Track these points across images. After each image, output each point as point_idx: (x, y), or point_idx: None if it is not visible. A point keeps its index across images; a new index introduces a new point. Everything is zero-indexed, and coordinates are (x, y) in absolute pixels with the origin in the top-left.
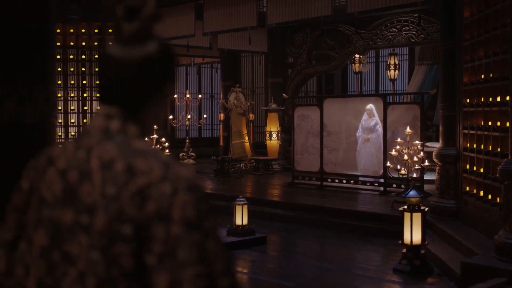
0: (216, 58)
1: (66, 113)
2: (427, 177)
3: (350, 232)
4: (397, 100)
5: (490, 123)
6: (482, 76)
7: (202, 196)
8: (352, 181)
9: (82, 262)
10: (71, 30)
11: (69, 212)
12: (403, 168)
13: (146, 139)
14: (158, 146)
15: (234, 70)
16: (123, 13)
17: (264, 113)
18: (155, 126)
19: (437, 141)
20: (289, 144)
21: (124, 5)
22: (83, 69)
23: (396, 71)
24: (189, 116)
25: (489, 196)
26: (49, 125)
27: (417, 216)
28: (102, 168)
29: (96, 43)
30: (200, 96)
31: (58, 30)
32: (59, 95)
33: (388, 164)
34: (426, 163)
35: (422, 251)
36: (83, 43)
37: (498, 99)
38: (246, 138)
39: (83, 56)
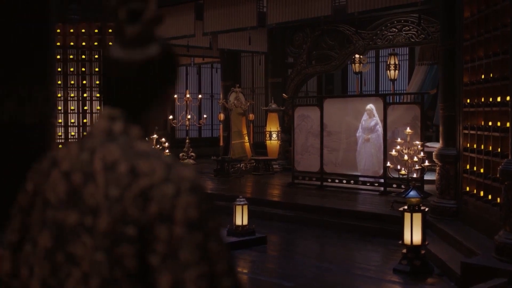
0: (216, 58)
1: (66, 113)
2: (427, 177)
3: (350, 232)
4: (397, 100)
5: (490, 123)
6: (482, 76)
7: (205, 197)
8: (352, 181)
9: (86, 263)
10: (71, 30)
11: (73, 213)
12: (403, 168)
13: (146, 139)
14: (158, 146)
15: (234, 70)
16: (126, 16)
17: (264, 113)
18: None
19: (437, 141)
20: (289, 144)
21: (126, 8)
22: (83, 69)
23: (396, 71)
24: (189, 116)
25: (489, 196)
26: (49, 125)
27: (417, 216)
28: (105, 169)
29: (96, 43)
30: (200, 96)
31: (58, 30)
32: (59, 95)
33: (388, 164)
34: (426, 163)
35: (422, 251)
36: (83, 43)
37: (498, 99)
38: (246, 138)
39: (83, 56)
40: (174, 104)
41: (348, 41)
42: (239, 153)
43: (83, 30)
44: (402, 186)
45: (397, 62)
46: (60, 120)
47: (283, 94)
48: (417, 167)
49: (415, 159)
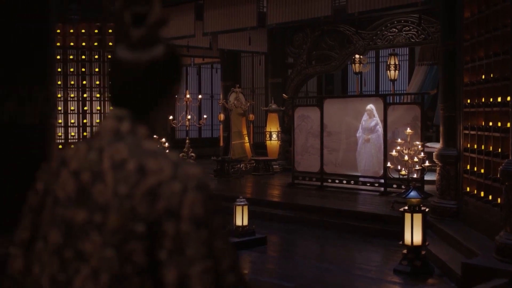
0: (216, 58)
1: (66, 113)
2: (427, 177)
3: (350, 233)
4: (397, 101)
5: (490, 124)
6: (483, 77)
7: (211, 195)
8: (352, 182)
9: (95, 260)
10: (71, 31)
11: (82, 211)
12: (403, 169)
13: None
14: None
15: (234, 71)
16: (131, 19)
17: (264, 114)
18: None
19: (438, 141)
20: (289, 144)
21: (131, 11)
22: (83, 69)
23: (396, 72)
24: (189, 117)
25: (490, 197)
26: (49, 125)
27: (418, 217)
28: (114, 168)
29: (96, 44)
30: (200, 96)
31: (58, 31)
32: (59, 95)
33: (389, 164)
34: (427, 163)
35: (423, 252)
36: (83, 44)
37: (499, 99)
38: (246, 138)
39: (83, 57)
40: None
41: (348, 42)
42: (239, 153)
43: (83, 31)
44: (403, 187)
45: (397, 62)
46: (60, 121)
47: (283, 95)
48: (417, 167)
49: (415, 159)
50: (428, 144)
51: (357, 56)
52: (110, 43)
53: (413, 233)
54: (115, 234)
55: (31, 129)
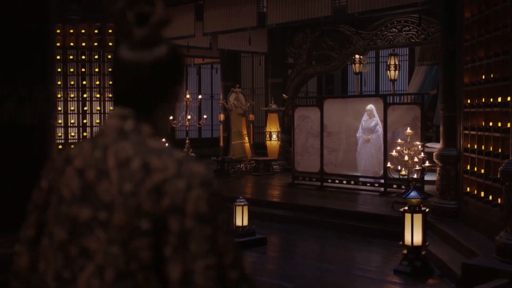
0: (216, 59)
1: (66, 113)
2: (427, 177)
3: (351, 233)
4: (397, 101)
5: (491, 124)
6: (483, 77)
7: (215, 192)
8: (352, 182)
9: (100, 256)
10: (71, 31)
11: (87, 208)
12: (403, 169)
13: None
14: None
15: (234, 71)
16: (134, 19)
17: (264, 114)
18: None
19: (437, 141)
20: (289, 144)
21: (135, 11)
22: (83, 69)
23: (396, 72)
24: (189, 117)
25: (490, 197)
26: (49, 125)
27: (418, 217)
28: (119, 166)
29: (96, 44)
30: (200, 96)
31: (58, 31)
32: (58, 95)
33: (389, 164)
34: (427, 163)
35: (423, 252)
36: (83, 44)
37: (499, 99)
38: (246, 138)
39: (83, 57)
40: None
41: (348, 42)
42: (239, 153)
43: (83, 31)
44: (403, 187)
45: (397, 63)
46: (60, 121)
47: (283, 95)
48: (417, 167)
49: (416, 159)
50: (428, 144)
51: (357, 56)
52: (110, 43)
53: (413, 233)
54: (120, 231)
55: (31, 129)
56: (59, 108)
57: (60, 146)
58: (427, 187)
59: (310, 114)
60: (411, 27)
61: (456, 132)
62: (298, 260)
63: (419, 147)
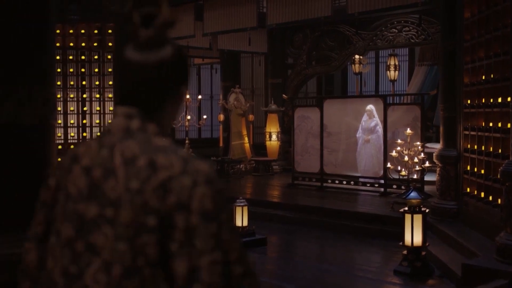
0: (216, 59)
1: (65, 114)
2: (427, 178)
3: (351, 233)
4: (397, 101)
5: (491, 124)
6: (483, 77)
7: (219, 189)
8: (352, 182)
9: (106, 253)
10: (71, 31)
11: (94, 206)
12: (403, 169)
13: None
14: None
15: (234, 71)
16: (140, 20)
17: (264, 114)
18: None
19: (437, 142)
20: (289, 145)
21: (140, 12)
22: (83, 69)
23: (396, 72)
24: (188, 117)
25: (490, 198)
26: (49, 126)
27: (418, 218)
28: (125, 164)
29: (95, 44)
30: (199, 97)
31: (58, 31)
32: (58, 96)
33: (389, 165)
34: (427, 164)
35: (423, 253)
36: (83, 44)
37: (499, 100)
38: (246, 139)
39: (83, 57)
40: None
41: (348, 42)
42: (238, 154)
43: (82, 31)
44: (402, 187)
45: (397, 63)
46: (59, 121)
47: (283, 95)
48: (417, 168)
49: (415, 160)
50: (428, 145)
51: (357, 56)
52: (110, 44)
53: (413, 234)
54: (127, 227)
55: (31, 130)
56: (59, 109)
57: (59, 147)
58: (427, 188)
59: (310, 115)
60: (411, 28)
61: (456, 133)
62: (298, 260)
63: (419, 147)
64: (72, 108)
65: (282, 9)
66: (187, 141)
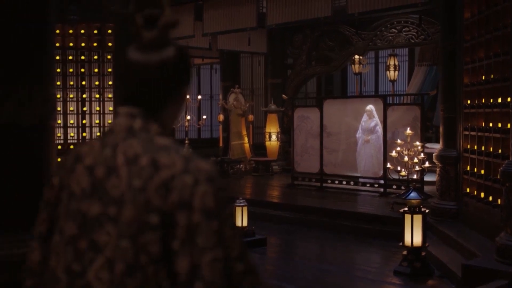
0: (216, 59)
1: (65, 114)
2: (427, 178)
3: (350, 234)
4: (397, 101)
5: (491, 125)
6: (483, 77)
7: (220, 187)
8: (352, 183)
9: (109, 250)
10: (70, 31)
11: (96, 204)
12: (403, 170)
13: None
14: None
15: (234, 71)
16: (143, 21)
17: (263, 114)
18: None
19: (437, 142)
20: (288, 145)
21: (143, 14)
22: (83, 70)
23: (396, 72)
24: (188, 117)
25: (490, 198)
26: (48, 126)
27: (418, 218)
28: (127, 163)
29: (95, 44)
30: (199, 97)
31: (58, 31)
32: (58, 96)
33: (388, 165)
34: (427, 164)
35: (423, 253)
36: (83, 44)
37: (499, 100)
38: (246, 139)
39: (83, 57)
40: None
41: (348, 42)
42: (238, 154)
43: (82, 31)
44: (402, 188)
45: (396, 63)
46: (59, 121)
47: (283, 95)
48: (417, 168)
49: (415, 160)
50: (428, 145)
51: (356, 56)
52: (110, 44)
53: (413, 234)
54: (130, 225)
55: (31, 130)
56: (58, 109)
57: (59, 147)
58: (427, 188)
59: (309, 115)
60: (411, 28)
61: (456, 133)
62: (298, 261)
63: (419, 147)
64: (71, 108)
65: (282, 9)
66: (186, 141)
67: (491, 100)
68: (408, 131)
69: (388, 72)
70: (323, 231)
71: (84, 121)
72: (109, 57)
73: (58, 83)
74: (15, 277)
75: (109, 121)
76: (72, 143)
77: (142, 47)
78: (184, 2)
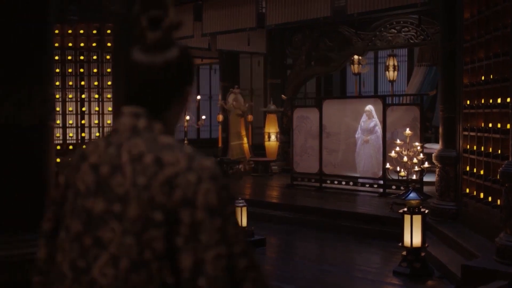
0: (215, 59)
1: (64, 114)
2: (426, 179)
3: (350, 234)
4: (396, 102)
5: (490, 125)
6: (483, 78)
7: (223, 185)
8: (351, 183)
9: (114, 247)
10: (70, 31)
11: (101, 201)
12: (402, 170)
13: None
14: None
15: (233, 71)
16: (147, 23)
17: (263, 114)
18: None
19: (436, 142)
20: (288, 145)
21: (147, 15)
22: (82, 70)
23: (395, 72)
24: (187, 117)
25: (490, 198)
26: (47, 127)
27: (417, 219)
28: (132, 161)
29: (94, 44)
30: (198, 97)
31: (57, 31)
32: (57, 96)
33: (388, 165)
34: (426, 164)
35: (422, 254)
36: (82, 44)
37: (499, 100)
38: (245, 139)
39: (82, 57)
40: None
41: (348, 42)
42: (237, 154)
43: (81, 31)
44: (402, 188)
45: (396, 63)
46: (58, 121)
47: (282, 95)
48: (416, 168)
49: (415, 160)
50: (427, 145)
51: (356, 57)
52: (109, 44)
53: (413, 234)
54: (135, 222)
55: (30, 130)
56: (58, 109)
57: (58, 147)
58: (426, 188)
59: (309, 115)
60: (410, 28)
61: (455, 133)
62: (297, 261)
63: (418, 148)
64: (70, 109)
65: (281, 10)
66: (186, 142)
67: (491, 101)
68: (408, 131)
69: (387, 72)
70: (323, 232)
71: (83, 122)
72: (108, 57)
73: (57, 83)
74: (15, 277)
75: (108, 121)
76: (71, 144)
77: (146, 48)
78: (184, 2)
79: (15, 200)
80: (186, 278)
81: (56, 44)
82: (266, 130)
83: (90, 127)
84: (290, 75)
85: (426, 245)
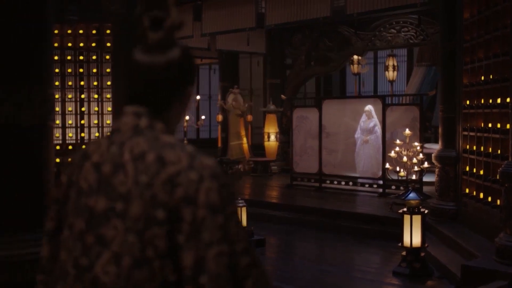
0: (214, 59)
1: (63, 114)
2: (426, 179)
3: (349, 234)
4: (396, 102)
5: (490, 125)
6: (482, 78)
7: (225, 183)
8: (351, 183)
9: (116, 245)
10: (69, 31)
11: (103, 200)
12: (402, 170)
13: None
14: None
15: (233, 71)
16: (149, 23)
17: (262, 114)
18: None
19: (436, 142)
20: (287, 145)
21: (149, 16)
22: (81, 70)
23: (395, 72)
24: (187, 118)
25: (489, 198)
26: (47, 127)
27: (417, 219)
28: (134, 160)
29: (94, 44)
30: (198, 97)
31: (56, 31)
32: (56, 96)
33: (387, 165)
34: (426, 164)
35: (422, 254)
36: (81, 44)
37: (498, 100)
38: (244, 139)
39: (81, 58)
40: None
41: (347, 42)
42: (237, 154)
43: (81, 31)
44: (401, 188)
45: (395, 63)
46: (57, 122)
47: (282, 95)
48: (416, 168)
49: (414, 160)
50: (427, 145)
51: (355, 57)
52: (108, 44)
53: (412, 235)
54: (137, 220)
55: (30, 130)
56: (57, 109)
57: (57, 147)
58: (426, 188)
59: (308, 115)
60: (409, 28)
61: (455, 133)
62: (297, 261)
63: (418, 148)
64: (70, 109)
65: (281, 10)
66: (185, 142)
67: (491, 101)
68: (407, 131)
69: (387, 72)
70: (322, 232)
71: (82, 122)
72: (107, 57)
73: (57, 83)
74: (15, 277)
75: (108, 122)
76: (71, 144)
77: (147, 48)
78: (183, 2)
79: (15, 200)
80: (188, 275)
81: (56, 44)
82: (266, 130)
83: (89, 127)
84: (290, 75)
85: (426, 245)
